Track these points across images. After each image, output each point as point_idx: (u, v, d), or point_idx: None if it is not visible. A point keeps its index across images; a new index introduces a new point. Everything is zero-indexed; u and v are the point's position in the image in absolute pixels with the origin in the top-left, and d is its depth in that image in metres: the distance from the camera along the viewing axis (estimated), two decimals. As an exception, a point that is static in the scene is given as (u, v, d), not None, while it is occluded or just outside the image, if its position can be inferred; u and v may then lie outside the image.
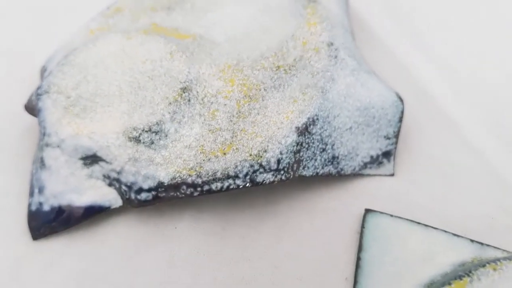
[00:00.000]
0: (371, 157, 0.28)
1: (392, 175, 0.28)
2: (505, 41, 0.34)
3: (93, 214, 0.25)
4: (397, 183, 0.28)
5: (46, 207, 0.25)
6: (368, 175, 0.28)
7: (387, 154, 0.28)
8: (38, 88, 0.26)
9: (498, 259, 0.23)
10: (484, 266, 0.23)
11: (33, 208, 0.25)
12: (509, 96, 0.31)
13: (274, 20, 0.30)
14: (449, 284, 0.22)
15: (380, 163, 0.28)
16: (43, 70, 0.30)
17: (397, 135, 0.28)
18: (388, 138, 0.28)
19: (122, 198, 0.25)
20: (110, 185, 0.25)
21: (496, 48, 0.34)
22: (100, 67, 0.27)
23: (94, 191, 0.25)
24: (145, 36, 0.28)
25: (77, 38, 0.30)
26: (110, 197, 0.25)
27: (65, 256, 0.25)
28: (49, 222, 0.25)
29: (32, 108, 0.27)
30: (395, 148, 0.28)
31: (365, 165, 0.28)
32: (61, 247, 0.25)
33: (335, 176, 0.27)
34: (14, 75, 0.31)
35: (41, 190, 0.25)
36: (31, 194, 0.26)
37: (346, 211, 0.26)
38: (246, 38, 0.29)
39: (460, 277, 0.23)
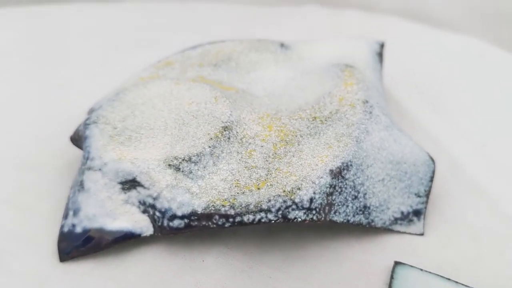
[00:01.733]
0: (402, 213, 0.28)
1: (422, 234, 0.28)
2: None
3: (124, 240, 0.25)
4: (427, 242, 0.28)
5: (78, 229, 0.25)
6: (398, 231, 0.28)
7: (417, 213, 0.28)
8: (87, 119, 0.28)
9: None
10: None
11: (65, 229, 0.26)
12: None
13: (312, 80, 0.32)
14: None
15: (411, 220, 0.28)
16: (91, 110, 0.31)
17: (427, 195, 0.28)
18: (419, 196, 0.28)
19: (154, 226, 0.26)
20: (144, 212, 0.26)
21: (505, 112, 0.35)
22: (148, 105, 0.29)
23: (127, 217, 0.26)
24: (192, 83, 0.30)
25: (127, 83, 0.32)
26: (142, 225, 0.26)
27: (90, 279, 0.24)
28: (79, 244, 0.25)
29: (77, 139, 0.29)
30: (426, 207, 0.28)
31: (395, 221, 0.28)
32: (87, 270, 0.25)
33: (365, 227, 0.27)
34: (65, 116, 0.33)
35: (76, 212, 0.26)
36: (65, 216, 0.26)
37: (375, 263, 0.26)
38: (284, 94, 0.31)
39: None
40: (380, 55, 0.35)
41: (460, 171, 0.32)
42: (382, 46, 0.36)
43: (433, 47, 0.45)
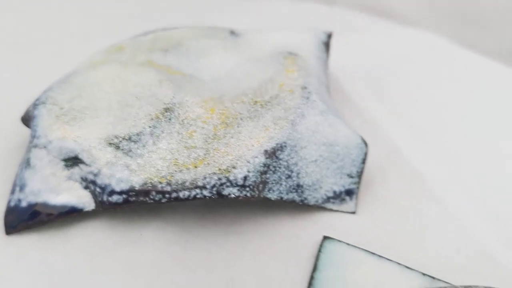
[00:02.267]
0: (334, 192, 0.30)
1: (354, 212, 0.30)
2: (470, 104, 0.37)
3: (67, 214, 0.27)
4: (358, 220, 0.29)
5: (24, 204, 0.27)
6: (331, 209, 0.30)
7: (350, 192, 0.30)
8: (36, 100, 0.29)
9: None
10: (429, 290, 0.24)
11: (12, 204, 0.27)
12: (471, 153, 0.34)
13: (256, 67, 0.33)
14: (395, 302, 0.23)
15: (343, 199, 0.30)
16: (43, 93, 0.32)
17: (360, 175, 0.30)
18: (352, 177, 0.30)
19: (95, 201, 0.27)
20: (86, 188, 0.27)
21: (461, 112, 0.37)
22: (95, 87, 0.30)
23: (70, 193, 0.27)
24: (139, 67, 0.31)
25: (79, 67, 0.33)
26: (84, 200, 0.27)
27: (34, 251, 0.26)
28: (25, 218, 0.27)
29: (27, 119, 0.30)
30: (358, 187, 0.30)
31: (328, 199, 0.29)
32: (32, 243, 0.26)
33: (298, 204, 0.28)
34: (18, 99, 0.34)
35: (22, 188, 0.27)
36: (12, 192, 0.28)
37: (306, 238, 0.28)
38: (230, 80, 0.32)
39: (406, 298, 0.24)
40: (326, 44, 0.37)
41: (397, 156, 0.34)
42: (329, 36, 0.38)
43: (386, 40, 0.46)
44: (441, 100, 0.39)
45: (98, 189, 0.26)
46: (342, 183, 0.30)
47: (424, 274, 0.26)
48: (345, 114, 0.36)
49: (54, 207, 0.27)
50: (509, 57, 0.48)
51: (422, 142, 0.35)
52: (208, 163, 0.27)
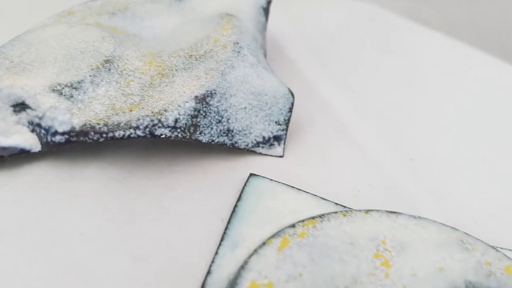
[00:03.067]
0: (263, 138, 0.33)
1: (282, 156, 0.33)
2: (399, 68, 0.41)
3: (16, 154, 0.30)
4: (284, 162, 0.32)
5: (-26, 146, 0.29)
6: (260, 153, 0.33)
7: (278, 138, 0.33)
8: (-11, 55, 0.32)
9: (351, 210, 0.27)
10: (336, 213, 0.27)
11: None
12: (392, 108, 0.37)
13: (196, 27, 0.36)
14: (303, 221, 0.26)
15: (272, 144, 0.33)
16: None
17: (287, 123, 0.33)
18: (279, 124, 0.33)
19: (41, 142, 0.30)
20: (32, 131, 0.30)
21: (389, 74, 0.40)
22: (43, 44, 0.32)
23: (19, 136, 0.30)
24: (85, 26, 0.34)
25: (31, 28, 0.36)
26: (31, 142, 0.30)
27: (-16, 187, 0.28)
28: (-25, 159, 0.29)
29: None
30: (285, 134, 0.33)
31: (257, 144, 0.32)
32: (-18, 181, 0.29)
33: (229, 147, 0.31)
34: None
35: (-26, 132, 0.30)
36: (-34, 136, 0.30)
37: (235, 176, 0.31)
38: (170, 38, 0.35)
39: (314, 218, 0.27)
40: (265, 9, 0.40)
41: (326, 109, 0.37)
42: (269, 2, 0.41)
43: (327, 9, 0.50)
44: (373, 64, 0.42)
45: (43, 131, 0.29)
46: (270, 130, 0.33)
47: (337, 204, 0.29)
48: (280, 72, 0.39)
49: (4, 148, 0.29)
50: (446, 26, 0.51)
51: (350, 98, 0.38)
52: (142, 107, 0.29)
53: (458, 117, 0.37)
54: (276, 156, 0.33)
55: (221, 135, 0.31)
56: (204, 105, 0.30)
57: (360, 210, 0.27)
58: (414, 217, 0.27)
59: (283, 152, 0.33)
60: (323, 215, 0.27)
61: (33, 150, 0.30)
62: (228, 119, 0.31)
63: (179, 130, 0.29)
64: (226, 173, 0.31)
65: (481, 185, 0.32)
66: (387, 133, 0.35)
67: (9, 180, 0.29)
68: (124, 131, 0.28)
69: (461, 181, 0.32)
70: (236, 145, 0.32)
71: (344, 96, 0.38)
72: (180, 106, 0.29)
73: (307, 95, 0.37)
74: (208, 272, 0.25)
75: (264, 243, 0.25)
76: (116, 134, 0.28)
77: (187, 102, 0.30)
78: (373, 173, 0.32)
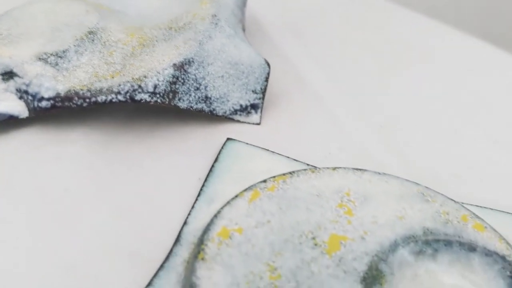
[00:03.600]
0: (241, 106, 0.34)
1: (259, 124, 0.35)
2: (373, 45, 0.43)
3: (5, 119, 0.31)
4: (261, 129, 0.34)
5: (-35, 112, 0.31)
6: (238, 121, 0.34)
7: (255, 106, 0.35)
8: (-21, 29, 0.34)
9: (320, 168, 0.29)
10: (305, 170, 0.29)
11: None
12: (364, 80, 0.39)
13: (177, 4, 0.38)
14: (274, 177, 0.28)
15: (249, 112, 0.35)
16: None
17: (263, 92, 0.35)
18: (256, 93, 0.35)
19: (28, 109, 0.31)
20: (20, 98, 0.31)
21: (363, 50, 0.42)
22: (31, 18, 0.34)
23: (8, 103, 0.31)
24: (71, 2, 0.36)
25: (20, 5, 0.37)
26: (19, 108, 0.31)
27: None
28: (-33, 125, 0.31)
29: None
30: (262, 102, 0.35)
31: (235, 111, 0.34)
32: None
33: (208, 114, 0.33)
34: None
35: (-35, 100, 0.31)
36: (-43, 104, 0.32)
37: (214, 141, 0.32)
38: (152, 15, 0.37)
39: (284, 174, 0.28)
40: (245, -13, 0.42)
41: (302, 81, 0.39)
42: (249, -20, 0.42)
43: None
44: (348, 40, 0.44)
45: (30, 97, 0.31)
46: (247, 98, 0.35)
47: (308, 165, 0.31)
48: (258, 46, 0.40)
49: (-7, 115, 0.31)
50: (425, 7, 0.53)
51: (325, 71, 0.40)
52: (123, 75, 0.31)
53: (426, 87, 0.39)
54: (253, 124, 0.34)
55: (199, 102, 0.33)
56: (182, 73, 0.32)
57: (328, 168, 0.29)
58: (379, 173, 0.29)
59: (260, 120, 0.35)
60: (293, 172, 0.29)
61: (21, 116, 0.31)
62: (206, 86, 0.33)
63: (158, 95, 0.31)
64: (204, 138, 0.33)
65: (445, 148, 0.33)
66: (360, 102, 0.37)
67: (-1, 144, 0.31)
68: (106, 96, 0.30)
69: (427, 145, 0.34)
70: (214, 112, 0.33)
71: (320, 69, 0.40)
72: (159, 73, 0.31)
73: (284, 68, 0.39)
74: (185, 223, 0.27)
75: (236, 196, 0.27)
76: (99, 99, 0.30)
77: (166, 69, 0.31)
78: (344, 138, 0.34)
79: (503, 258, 0.25)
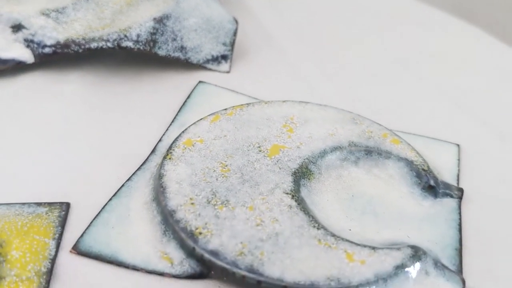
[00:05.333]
0: (212, 56, 0.41)
1: (228, 72, 0.41)
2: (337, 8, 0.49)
3: (15, 64, 0.38)
4: (230, 76, 0.40)
5: (-19, 58, 0.38)
6: (210, 69, 0.41)
7: (224, 57, 0.41)
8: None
9: (273, 101, 0.36)
10: (260, 102, 0.35)
11: (-26, 60, 0.38)
12: (327, 37, 0.45)
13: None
14: (233, 107, 0.35)
15: (219, 62, 0.41)
16: None
17: (232, 45, 0.41)
18: (225, 45, 0.41)
19: (34, 55, 0.38)
20: (27, 46, 0.38)
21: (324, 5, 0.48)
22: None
23: (17, 51, 0.38)
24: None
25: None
26: (26, 55, 0.38)
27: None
28: (-17, 69, 0.38)
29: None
30: (231, 53, 0.41)
31: (207, 61, 0.41)
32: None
33: (183, 62, 0.40)
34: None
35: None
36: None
37: (187, 83, 0.39)
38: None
39: (242, 105, 0.35)
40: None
41: (269, 37, 0.45)
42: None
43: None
44: (317, 4, 0.50)
45: (35, 45, 0.37)
46: (218, 49, 0.41)
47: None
48: (230, 6, 0.46)
49: (5, 61, 0.38)
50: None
51: (293, 31, 0.46)
52: (112, 27, 0.38)
53: (369, 42, 0.45)
54: (222, 72, 0.41)
55: (176, 51, 0.39)
56: (161, 25, 0.38)
57: (279, 100, 0.36)
58: (321, 104, 0.35)
59: (229, 69, 0.41)
60: (250, 103, 0.35)
61: (28, 62, 0.38)
62: (182, 38, 0.39)
63: (140, 43, 0.37)
64: (180, 81, 0.39)
65: (381, 87, 0.40)
66: (320, 57, 0.43)
67: (8, 85, 0.37)
68: (97, 43, 0.36)
69: (370, 87, 0.40)
70: (189, 60, 0.40)
71: (288, 29, 0.46)
72: (141, 25, 0.37)
73: (253, 25, 0.45)
74: (159, 140, 0.33)
75: (201, 118, 0.33)
76: (92, 45, 0.36)
77: (147, 22, 0.38)
78: (301, 84, 0.40)
79: (411, 163, 0.31)
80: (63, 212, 0.27)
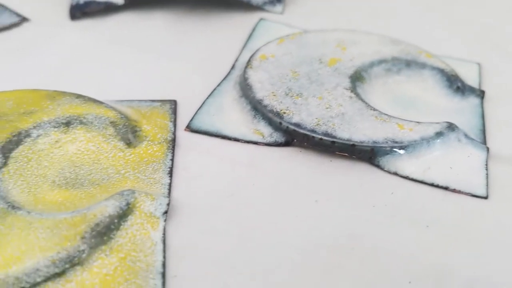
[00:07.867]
0: (269, -1, 0.48)
1: (281, 13, 0.49)
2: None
3: (106, 6, 0.46)
4: (283, 17, 0.48)
5: (81, 2, 0.46)
6: (266, 11, 0.48)
7: (279, 0, 0.49)
8: None
9: (323, 29, 0.43)
10: (316, 31, 0.43)
11: (73, 3, 0.46)
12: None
13: None
14: (294, 33, 0.42)
15: (274, 4, 0.49)
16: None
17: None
18: (278, -10, 0.49)
19: (124, -2, 0.46)
20: (118, -9, 0.46)
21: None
22: None
23: None
24: None
25: None
26: (117, -1, 0.46)
27: (67, 30, 0.45)
28: (81, 8, 0.45)
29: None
30: (284, -3, 0.49)
31: (265, 3, 0.48)
32: (83, 26, 0.45)
33: (245, 4, 0.47)
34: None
35: (79, -6, 0.46)
36: (73, -2, 0.46)
37: (251, 20, 0.46)
38: None
39: (301, 32, 0.42)
40: None
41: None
42: None
43: None
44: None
45: (124, -11, 0.45)
46: (273, -6, 0.49)
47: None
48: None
49: (99, 3, 0.46)
50: None
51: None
52: (188, -28, 0.45)
53: None
54: (277, 13, 0.48)
55: (238, -6, 0.47)
56: (228, -28, 0.46)
57: (331, 29, 0.43)
58: (365, 32, 0.43)
59: (282, 10, 0.49)
60: (306, 31, 0.43)
61: (119, 3, 0.46)
62: (244, -16, 0.47)
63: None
64: (244, 18, 0.47)
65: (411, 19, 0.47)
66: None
67: (104, 22, 0.45)
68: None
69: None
70: (250, 2, 0.48)
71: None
72: (212, -29, 0.45)
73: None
74: (236, 60, 0.41)
75: (268, 42, 0.41)
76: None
77: (217, -31, 0.45)
78: (346, 24, 0.47)
79: (442, 70, 0.39)
80: (173, 106, 0.35)
